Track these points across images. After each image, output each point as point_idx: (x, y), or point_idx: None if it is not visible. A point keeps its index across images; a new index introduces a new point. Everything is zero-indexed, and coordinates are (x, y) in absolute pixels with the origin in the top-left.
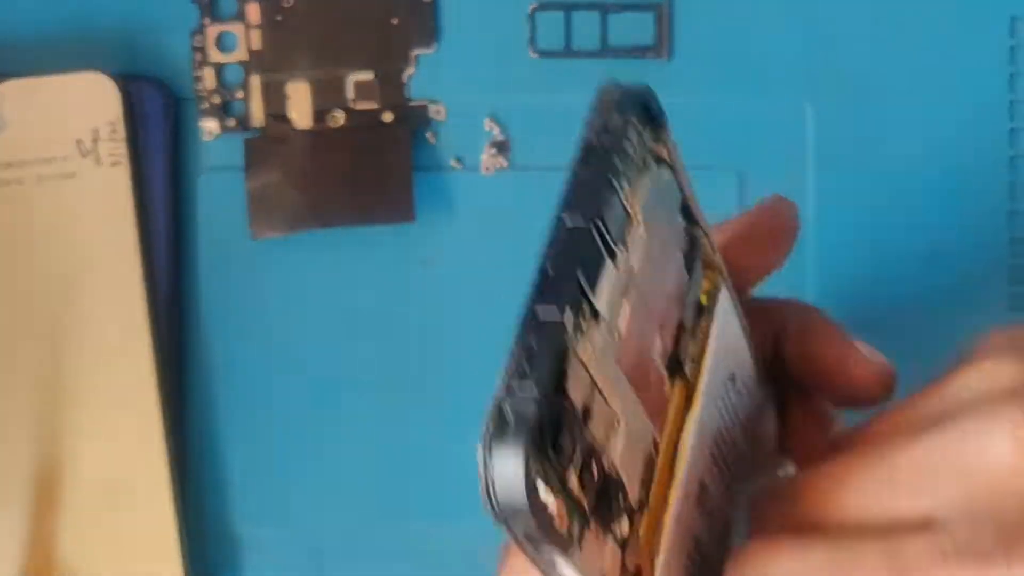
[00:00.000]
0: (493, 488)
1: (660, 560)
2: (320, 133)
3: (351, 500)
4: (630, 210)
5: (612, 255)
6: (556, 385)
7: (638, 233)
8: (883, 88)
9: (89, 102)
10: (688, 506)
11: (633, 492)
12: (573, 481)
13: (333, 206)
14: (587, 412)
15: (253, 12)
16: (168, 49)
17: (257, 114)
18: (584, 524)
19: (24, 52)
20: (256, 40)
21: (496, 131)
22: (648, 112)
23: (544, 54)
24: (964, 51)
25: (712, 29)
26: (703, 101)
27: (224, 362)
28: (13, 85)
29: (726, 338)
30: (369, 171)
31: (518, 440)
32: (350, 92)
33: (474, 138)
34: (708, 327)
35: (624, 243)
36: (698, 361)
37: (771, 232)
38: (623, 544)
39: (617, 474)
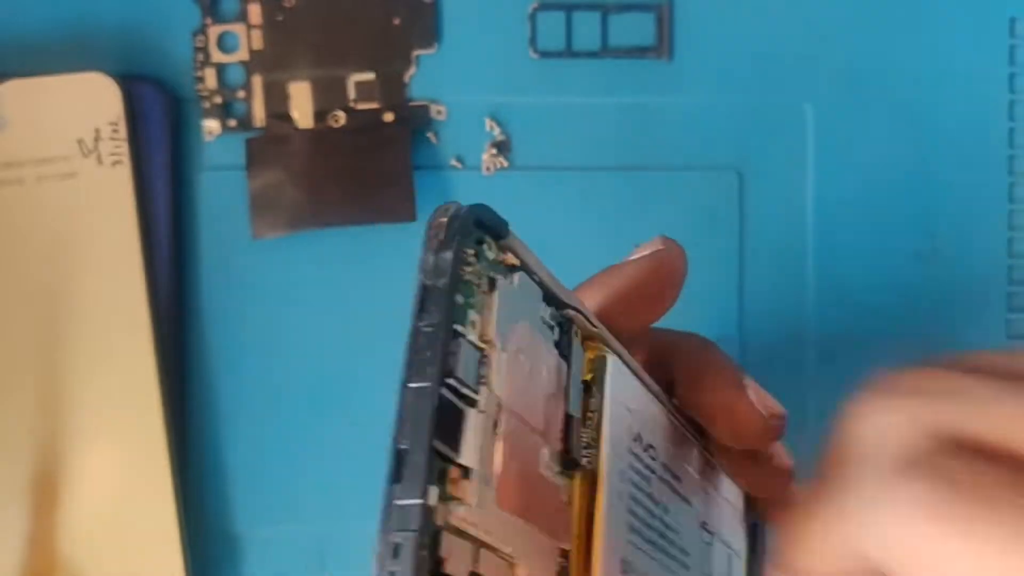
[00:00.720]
0: None
1: None
2: (321, 133)
3: (353, 499)
4: (483, 343)
5: (471, 402)
6: (430, 557)
7: (498, 360)
8: (883, 88)
9: (90, 102)
10: None
11: None
12: None
13: (334, 206)
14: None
15: (254, 12)
16: (169, 49)
17: (258, 114)
18: None
19: (26, 52)
20: (257, 40)
21: (497, 131)
22: (484, 226)
23: (545, 54)
24: (964, 51)
25: (712, 29)
26: (703, 101)
27: (225, 361)
28: (14, 85)
29: (623, 402)
30: (370, 171)
31: None
32: (351, 92)
33: (475, 138)
34: (600, 402)
35: (484, 380)
36: (595, 444)
37: (658, 284)
38: None
39: None
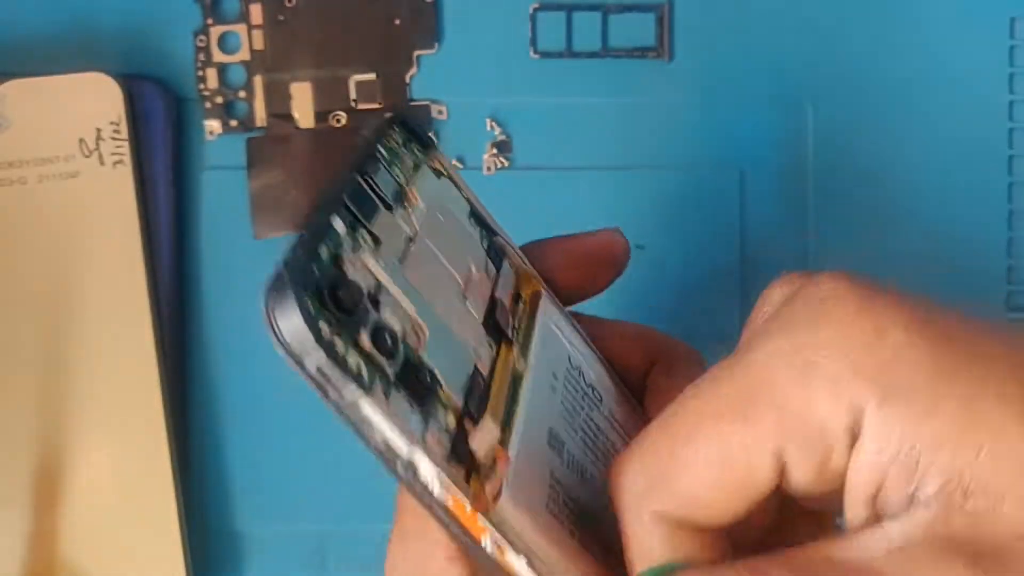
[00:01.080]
0: (280, 336)
1: (511, 467)
2: (322, 133)
3: (354, 498)
4: (403, 184)
5: (388, 207)
6: (331, 258)
7: (417, 206)
8: (883, 88)
9: (92, 102)
10: (536, 443)
11: (452, 395)
12: (364, 340)
13: None
14: (373, 298)
15: (256, 12)
16: (171, 49)
17: (260, 114)
18: (388, 385)
19: (27, 52)
20: (259, 40)
21: (497, 131)
22: (412, 131)
23: (545, 55)
24: (964, 51)
25: (712, 30)
26: (703, 101)
27: (226, 361)
28: (16, 85)
29: (554, 325)
30: None
31: (291, 282)
32: (352, 92)
33: (475, 138)
34: (532, 317)
35: (401, 205)
36: (524, 335)
37: (599, 260)
38: (453, 438)
39: (429, 368)
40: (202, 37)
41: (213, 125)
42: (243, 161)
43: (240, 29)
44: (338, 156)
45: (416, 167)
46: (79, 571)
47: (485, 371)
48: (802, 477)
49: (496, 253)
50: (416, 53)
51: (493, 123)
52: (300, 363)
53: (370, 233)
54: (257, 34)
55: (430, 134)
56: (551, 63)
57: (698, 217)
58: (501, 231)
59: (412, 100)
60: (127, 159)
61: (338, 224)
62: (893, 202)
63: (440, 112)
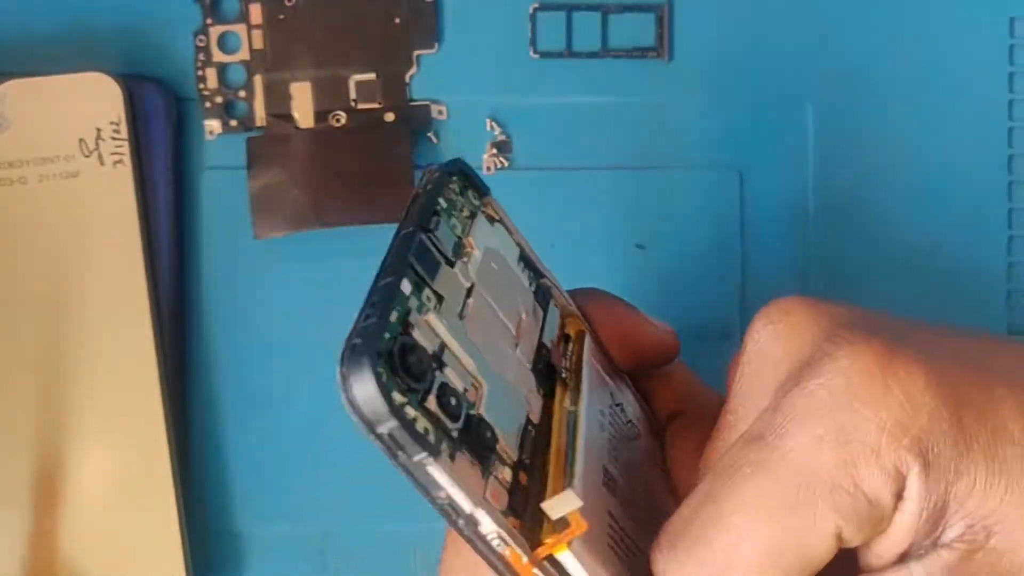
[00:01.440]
0: (355, 403)
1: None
2: (322, 133)
3: (354, 499)
4: (461, 235)
5: (449, 262)
6: (400, 321)
7: (474, 255)
8: (883, 88)
9: (92, 102)
10: (594, 485)
11: (509, 449)
12: (432, 403)
13: (335, 206)
14: (439, 359)
15: (256, 12)
16: (171, 49)
17: (259, 114)
18: (453, 446)
19: (27, 52)
20: (258, 40)
21: (497, 131)
22: (469, 179)
23: (545, 55)
24: (964, 50)
25: (712, 30)
26: (703, 101)
27: (227, 361)
28: (16, 84)
29: (597, 367)
30: (371, 171)
31: (366, 352)
32: (352, 92)
33: (475, 138)
34: (580, 357)
35: (461, 258)
36: (574, 376)
37: (650, 360)
38: (510, 491)
39: (489, 424)
40: (202, 37)
41: (213, 125)
42: (243, 161)
43: (240, 29)
44: (338, 156)
45: (472, 215)
46: (79, 571)
47: (536, 418)
48: (852, 542)
49: (543, 295)
50: (416, 53)
51: (493, 123)
52: (372, 429)
53: (434, 292)
54: (257, 34)
55: (484, 182)
56: (551, 63)
57: (698, 217)
58: (547, 271)
59: (412, 100)
60: (127, 159)
61: (406, 286)
62: (892, 202)
63: (440, 112)
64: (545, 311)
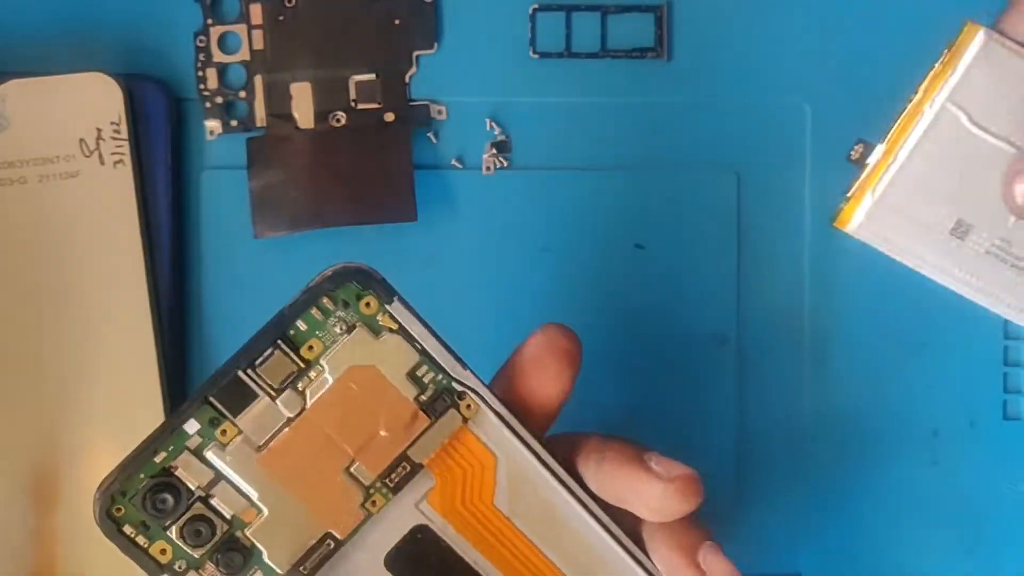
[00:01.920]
0: (96, 516)
1: None
2: (322, 133)
3: None
4: (312, 361)
5: (272, 394)
6: (168, 460)
7: (319, 381)
8: (883, 88)
9: (92, 102)
10: None
11: (275, 567)
12: (174, 532)
13: (335, 206)
14: (207, 491)
15: (256, 13)
16: (171, 49)
17: (260, 114)
18: (196, 562)
19: (27, 52)
20: (259, 40)
21: (497, 131)
22: (372, 284)
23: (544, 55)
24: None
25: (711, 30)
26: (703, 101)
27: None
28: (16, 84)
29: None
30: (371, 171)
31: (105, 490)
32: (352, 92)
33: (475, 138)
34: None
35: (295, 386)
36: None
37: (549, 356)
38: None
39: (254, 545)
40: (202, 37)
41: (213, 125)
42: (243, 161)
43: (240, 29)
44: (338, 156)
45: (351, 328)
46: (79, 571)
47: (344, 532)
48: None
49: (443, 402)
50: (416, 53)
51: (492, 123)
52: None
53: (234, 425)
54: (257, 34)
55: (391, 288)
56: (550, 63)
57: (697, 217)
58: (460, 374)
59: (412, 100)
60: (127, 159)
61: (192, 426)
62: None
63: (439, 112)
64: (434, 420)
